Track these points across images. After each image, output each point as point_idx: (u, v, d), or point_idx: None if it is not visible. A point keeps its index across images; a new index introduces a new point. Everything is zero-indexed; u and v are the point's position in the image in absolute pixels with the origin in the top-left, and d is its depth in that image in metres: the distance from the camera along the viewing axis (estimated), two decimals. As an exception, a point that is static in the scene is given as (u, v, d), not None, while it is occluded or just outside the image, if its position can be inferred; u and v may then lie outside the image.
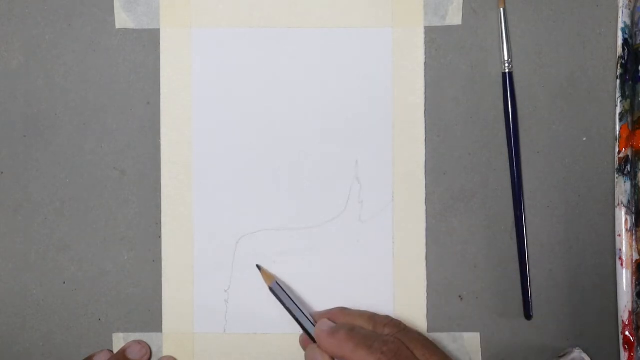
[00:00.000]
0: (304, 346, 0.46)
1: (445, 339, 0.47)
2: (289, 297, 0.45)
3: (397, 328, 0.43)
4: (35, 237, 0.48)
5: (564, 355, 0.47)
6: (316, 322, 0.45)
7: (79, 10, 0.48)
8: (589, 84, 0.48)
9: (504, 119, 0.48)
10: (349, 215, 0.48)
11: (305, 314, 0.45)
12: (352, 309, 0.46)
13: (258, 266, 0.47)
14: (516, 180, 0.47)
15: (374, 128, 0.48)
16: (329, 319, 0.45)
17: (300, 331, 0.46)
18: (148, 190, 0.48)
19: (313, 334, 0.44)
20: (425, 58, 0.48)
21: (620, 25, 0.47)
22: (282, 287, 0.46)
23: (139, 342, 0.47)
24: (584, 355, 0.46)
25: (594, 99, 0.48)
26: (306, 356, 0.44)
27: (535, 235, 0.48)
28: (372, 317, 0.44)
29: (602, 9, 0.48)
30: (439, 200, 0.48)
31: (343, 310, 0.46)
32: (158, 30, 0.48)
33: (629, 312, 0.46)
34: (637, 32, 0.47)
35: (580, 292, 0.48)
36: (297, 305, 0.45)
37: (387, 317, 0.44)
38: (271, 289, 0.46)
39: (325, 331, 0.43)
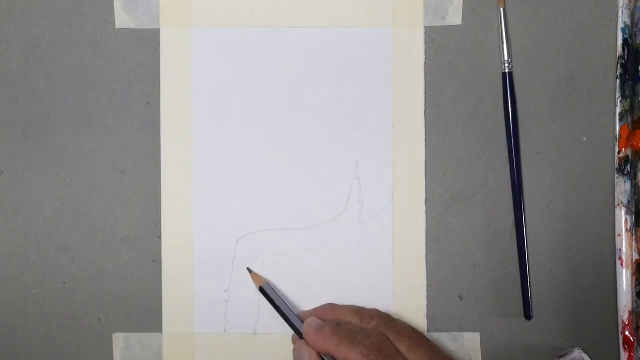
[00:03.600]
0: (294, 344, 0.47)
1: (445, 339, 0.47)
2: (280, 297, 0.46)
3: (384, 320, 0.43)
4: (35, 237, 0.48)
5: (564, 355, 0.47)
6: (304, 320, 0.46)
7: (79, 10, 0.48)
8: (589, 84, 0.48)
9: (504, 119, 0.48)
10: (349, 215, 0.48)
11: (295, 313, 0.46)
12: (341, 304, 0.47)
13: (249, 269, 0.47)
14: (516, 180, 0.47)
15: (374, 128, 0.48)
16: (317, 316, 0.45)
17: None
18: (148, 190, 0.48)
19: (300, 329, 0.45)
20: (425, 58, 0.48)
21: (620, 25, 0.47)
22: (273, 288, 0.47)
23: None
24: (584, 355, 0.46)
25: (594, 99, 0.48)
26: (294, 351, 0.45)
27: (535, 235, 0.48)
28: (360, 311, 0.45)
29: (602, 9, 0.48)
30: (439, 200, 0.48)
31: (331, 306, 0.46)
32: (158, 30, 0.48)
33: (629, 312, 0.46)
34: (637, 32, 0.47)
35: (580, 292, 0.48)
36: (287, 305, 0.46)
37: (375, 310, 0.45)
38: (261, 289, 0.47)
39: (312, 327, 0.44)
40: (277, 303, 0.46)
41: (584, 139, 0.48)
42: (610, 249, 0.47)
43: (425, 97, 0.48)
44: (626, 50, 0.47)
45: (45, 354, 0.48)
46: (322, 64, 0.48)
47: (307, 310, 0.47)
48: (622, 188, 0.47)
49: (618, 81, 0.47)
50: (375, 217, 0.48)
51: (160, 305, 0.48)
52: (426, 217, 0.48)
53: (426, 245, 0.48)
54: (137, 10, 0.48)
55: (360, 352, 0.40)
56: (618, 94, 0.47)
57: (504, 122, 0.47)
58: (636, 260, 0.46)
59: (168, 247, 0.48)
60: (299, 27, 0.48)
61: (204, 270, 0.48)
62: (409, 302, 0.47)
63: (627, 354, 0.46)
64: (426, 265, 0.48)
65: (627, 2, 0.47)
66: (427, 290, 0.48)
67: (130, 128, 0.48)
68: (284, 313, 0.46)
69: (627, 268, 0.46)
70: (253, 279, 0.47)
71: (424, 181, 0.48)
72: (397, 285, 0.48)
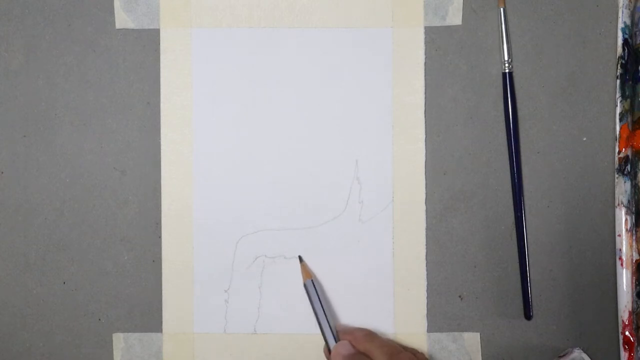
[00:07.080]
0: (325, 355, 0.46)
1: (445, 339, 0.47)
2: (319, 300, 0.45)
3: None
4: (35, 237, 0.48)
5: (564, 355, 0.47)
6: (339, 337, 0.45)
7: (79, 10, 0.48)
8: (589, 84, 0.48)
9: (504, 119, 0.48)
10: (349, 215, 0.48)
11: (330, 323, 0.45)
12: (379, 336, 0.45)
13: (300, 257, 0.47)
14: (516, 180, 0.47)
15: (373, 128, 0.48)
16: (351, 339, 0.44)
17: (302, 331, 0.46)
18: (148, 190, 0.48)
19: (331, 347, 0.45)
20: (425, 58, 0.48)
21: (620, 25, 0.47)
22: (316, 287, 0.46)
23: None
24: (584, 355, 0.46)
25: (594, 99, 0.48)
26: None
27: (535, 235, 0.48)
28: (393, 354, 0.42)
29: (602, 9, 0.48)
30: (439, 200, 0.48)
31: (367, 336, 0.44)
32: (158, 30, 0.48)
33: (629, 312, 0.46)
34: (637, 32, 0.47)
35: (580, 292, 0.48)
36: (324, 312, 0.45)
37: (409, 356, 0.42)
38: (305, 286, 0.46)
39: (341, 354, 0.43)
40: (315, 305, 0.45)
41: (584, 139, 0.48)
42: (610, 249, 0.47)
43: (425, 97, 0.48)
44: (626, 50, 0.47)
45: (45, 354, 0.48)
46: (322, 64, 0.48)
47: (343, 326, 0.46)
48: (622, 188, 0.47)
49: (618, 81, 0.47)
50: (375, 217, 0.48)
51: (160, 305, 0.48)
52: (426, 217, 0.48)
53: (426, 245, 0.48)
54: (137, 10, 0.48)
55: None
56: (618, 94, 0.47)
57: (504, 122, 0.47)
58: (636, 260, 0.46)
59: (168, 247, 0.48)
60: (299, 27, 0.48)
61: (204, 270, 0.48)
62: (409, 302, 0.47)
63: (627, 354, 0.46)
64: (426, 265, 0.48)
65: (627, 2, 0.47)
66: (427, 290, 0.48)
67: (130, 128, 0.48)
68: (318, 319, 0.45)
69: (627, 268, 0.46)
70: (301, 271, 0.46)
71: (424, 181, 0.48)
72: (397, 285, 0.48)
